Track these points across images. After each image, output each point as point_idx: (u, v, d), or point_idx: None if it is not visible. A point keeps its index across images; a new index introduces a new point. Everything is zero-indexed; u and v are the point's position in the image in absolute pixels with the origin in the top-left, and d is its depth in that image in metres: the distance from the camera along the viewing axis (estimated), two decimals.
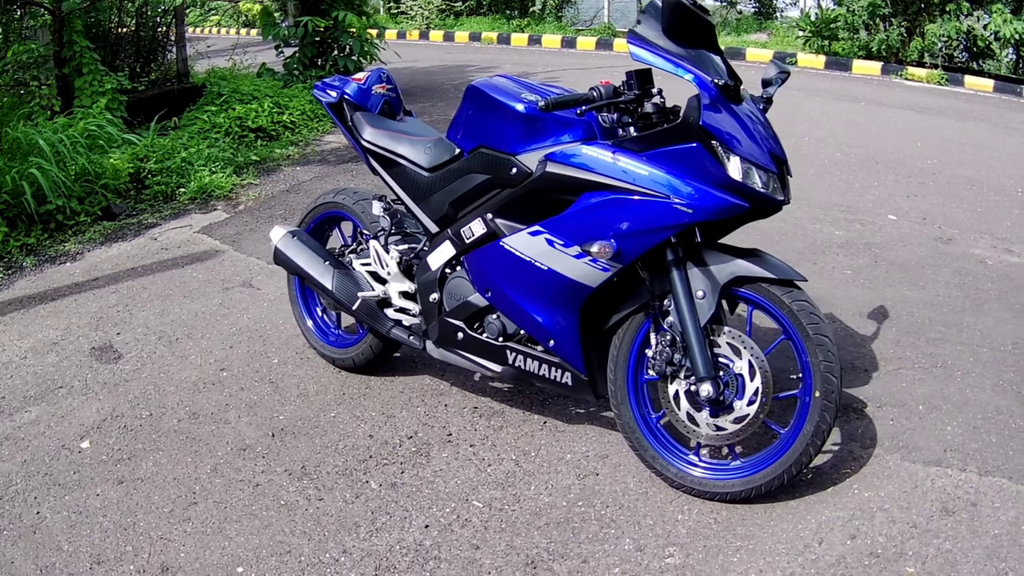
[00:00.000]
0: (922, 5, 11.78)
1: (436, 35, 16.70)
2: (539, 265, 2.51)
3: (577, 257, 2.43)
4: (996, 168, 6.62)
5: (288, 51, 8.49)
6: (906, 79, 11.52)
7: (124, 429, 2.90)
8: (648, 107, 2.40)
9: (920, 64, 11.81)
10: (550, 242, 2.49)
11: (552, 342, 2.59)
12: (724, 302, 2.48)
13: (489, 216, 2.65)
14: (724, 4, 17.33)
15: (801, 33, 12.84)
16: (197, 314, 3.79)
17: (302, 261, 3.12)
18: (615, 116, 2.46)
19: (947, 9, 11.48)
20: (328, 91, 3.13)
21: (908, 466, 2.70)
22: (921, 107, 9.46)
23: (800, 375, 2.42)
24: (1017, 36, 10.98)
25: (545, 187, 2.50)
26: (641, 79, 2.40)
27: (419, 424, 2.89)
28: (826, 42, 11.96)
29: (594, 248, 2.35)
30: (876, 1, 11.69)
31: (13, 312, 3.83)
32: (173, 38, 7.65)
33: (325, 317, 3.40)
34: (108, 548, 2.33)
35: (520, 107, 2.53)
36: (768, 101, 2.53)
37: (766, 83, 2.56)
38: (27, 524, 2.44)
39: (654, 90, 2.43)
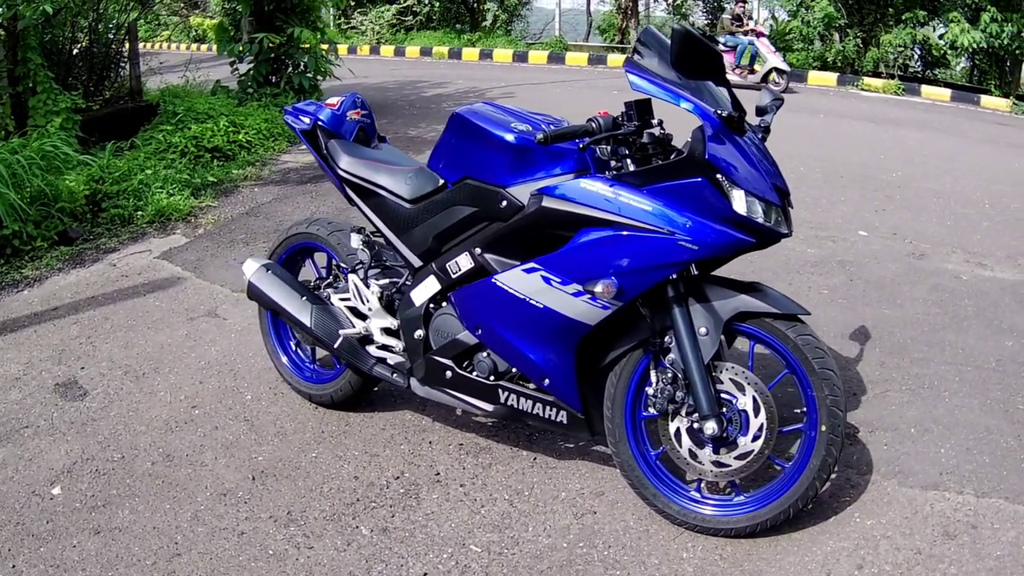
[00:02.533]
0: (878, 16, 12.09)
1: (387, 50, 16.62)
2: (534, 303, 2.45)
3: (575, 295, 2.38)
4: (960, 180, 6.81)
5: (243, 68, 8.35)
6: (862, 89, 11.81)
7: (96, 473, 2.79)
8: (646, 138, 2.35)
9: (876, 74, 12.12)
10: (547, 279, 2.43)
11: (547, 381, 2.54)
12: (723, 337, 2.45)
13: (477, 251, 2.58)
14: (675, 16, 17.57)
15: None
16: (163, 346, 3.67)
17: (278, 296, 3.02)
18: (610, 148, 2.39)
19: (903, 19, 11.80)
20: (301, 117, 3.04)
21: (906, 491, 2.72)
22: (880, 118, 9.69)
23: (804, 409, 2.41)
24: (975, 45, 11.33)
25: (540, 222, 2.44)
26: (640, 110, 2.36)
27: (405, 463, 2.83)
28: (781, 53, 12.22)
29: (598, 288, 2.30)
30: (832, 13, 11.98)
31: None
32: (127, 55, 7.45)
33: (299, 351, 3.31)
34: None
35: (510, 137, 2.46)
36: (766, 130, 2.50)
37: (761, 111, 2.55)
38: None
39: (654, 121, 2.39)
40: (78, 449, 2.91)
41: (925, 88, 11.61)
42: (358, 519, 2.55)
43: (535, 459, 2.86)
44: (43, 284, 4.35)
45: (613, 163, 2.37)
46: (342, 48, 17.24)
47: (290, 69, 8.45)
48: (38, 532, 2.51)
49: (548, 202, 2.39)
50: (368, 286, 2.90)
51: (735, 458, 2.44)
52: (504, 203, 2.51)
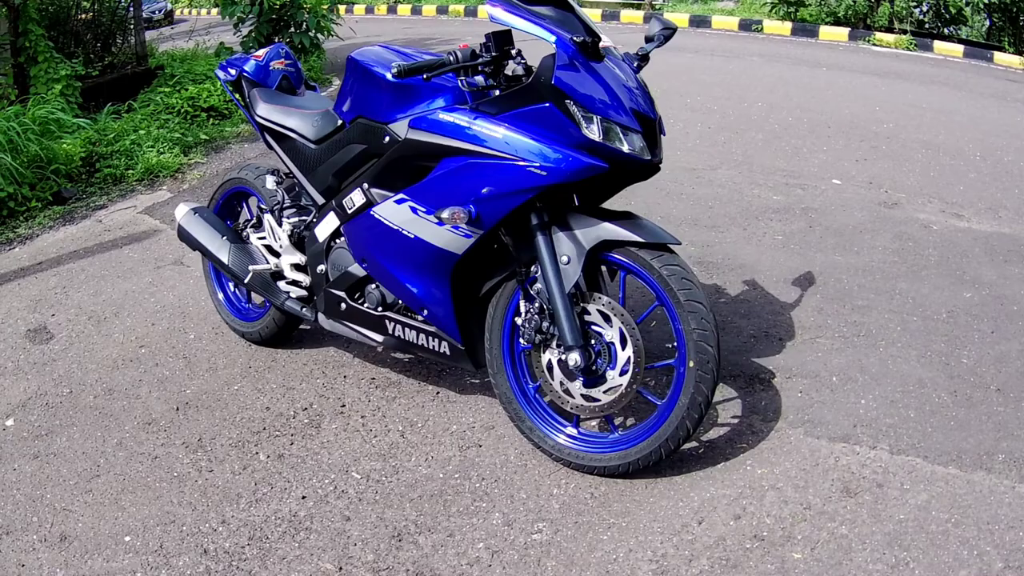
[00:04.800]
0: None
1: (404, 9, 16.74)
2: (406, 233, 2.54)
3: (439, 224, 2.45)
4: (955, 132, 6.66)
5: (245, 29, 8.59)
6: (874, 44, 11.53)
7: (46, 407, 3.12)
8: (511, 70, 2.37)
9: (889, 30, 11.82)
10: (414, 210, 2.51)
11: (426, 311, 2.64)
12: (604, 269, 2.49)
13: (366, 186, 2.70)
14: None
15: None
16: (127, 293, 4.00)
17: (201, 237, 3.27)
18: (484, 80, 2.41)
19: None
20: (229, 69, 3.27)
21: (811, 442, 2.64)
22: (885, 72, 9.48)
23: (675, 344, 2.38)
24: (995, 1, 10.96)
25: (407, 154, 2.53)
26: (500, 40, 2.37)
27: (316, 396, 3.10)
28: (793, 8, 11.99)
29: (444, 214, 2.37)
30: None
31: None
32: (132, 23, 7.77)
33: (237, 291, 3.57)
34: (17, 519, 2.55)
35: (389, 75, 2.49)
36: (644, 58, 2.50)
37: (648, 39, 2.55)
38: None
39: (513, 51, 2.39)
40: (35, 386, 3.26)
41: (938, 44, 11.29)
42: (259, 446, 2.83)
43: (438, 393, 3.08)
44: (33, 241, 4.72)
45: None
46: (359, 8, 17.40)
47: (292, 29, 8.66)
48: None
49: (411, 134, 2.50)
50: (280, 224, 3.13)
51: (604, 392, 2.44)
52: (387, 139, 2.61)
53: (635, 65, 2.46)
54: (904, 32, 11.59)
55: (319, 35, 8.79)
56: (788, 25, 12.02)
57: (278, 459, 2.76)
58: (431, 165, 2.49)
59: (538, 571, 2.22)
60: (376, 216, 2.65)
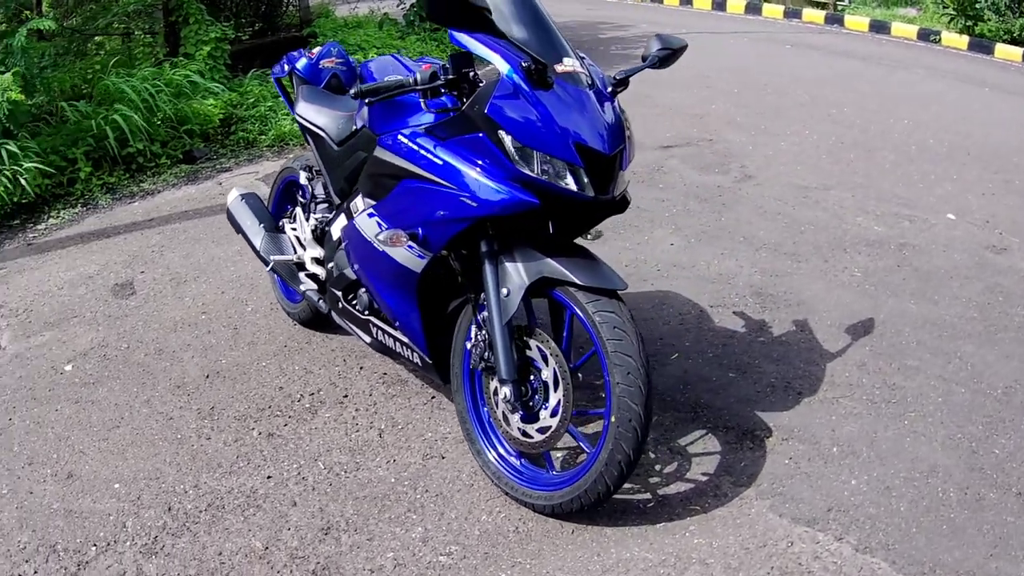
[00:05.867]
0: None
1: None
2: (376, 246, 2.62)
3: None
4: None
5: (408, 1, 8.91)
6: None
7: (102, 358, 3.53)
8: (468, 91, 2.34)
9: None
10: (380, 224, 2.60)
11: (398, 322, 2.74)
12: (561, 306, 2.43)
13: (360, 194, 2.82)
14: None
15: (946, 11, 11.88)
16: (213, 259, 4.38)
17: (242, 221, 3.53)
18: (450, 102, 2.39)
19: None
20: (284, 65, 3.48)
21: (771, 519, 2.48)
22: None
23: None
24: None
25: (374, 171, 2.63)
26: (459, 63, 2.35)
27: (327, 383, 3.31)
28: (970, 22, 11.00)
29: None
30: None
31: (72, 246, 4.59)
32: None
33: None
34: (41, 453, 2.95)
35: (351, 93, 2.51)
36: (621, 83, 2.42)
37: (643, 58, 2.49)
38: None
39: (471, 74, 2.36)
40: (101, 337, 3.68)
41: None
42: (258, 423, 3.08)
43: (433, 397, 3.19)
44: (153, 197, 5.24)
45: None
46: None
47: None
48: (39, 397, 3.28)
49: (377, 151, 2.61)
50: (308, 219, 3.34)
51: (536, 430, 2.43)
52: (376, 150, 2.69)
53: (608, 91, 2.38)
54: None
55: None
56: (965, 39, 11.06)
57: (267, 438, 2.99)
58: (394, 183, 2.56)
59: None
60: (356, 226, 2.77)
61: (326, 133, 3.14)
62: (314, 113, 3.23)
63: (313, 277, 3.31)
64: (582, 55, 2.50)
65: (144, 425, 3.08)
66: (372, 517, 2.59)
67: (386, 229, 2.55)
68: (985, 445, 2.86)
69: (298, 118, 3.32)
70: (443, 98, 2.39)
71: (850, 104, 7.46)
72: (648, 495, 2.64)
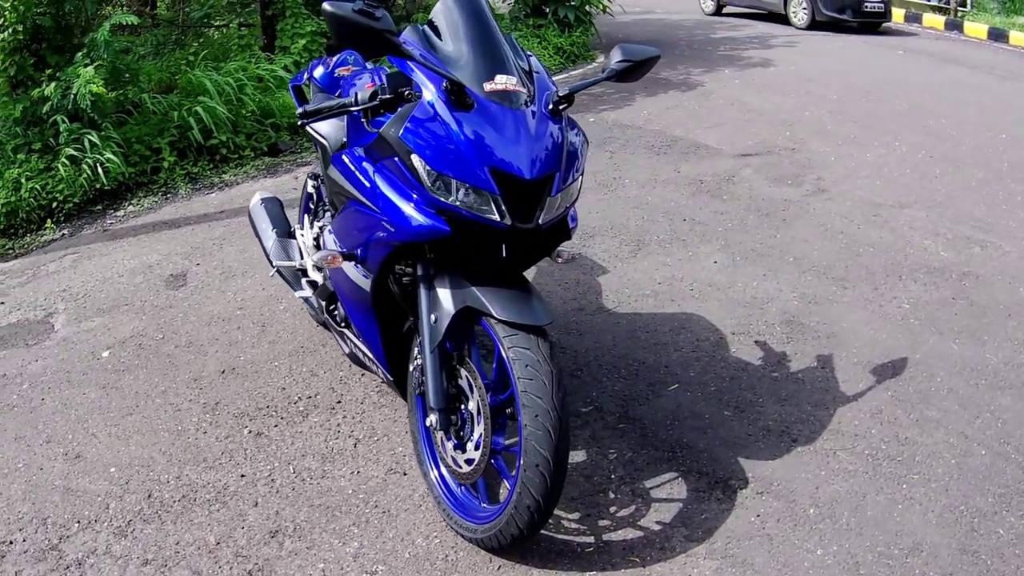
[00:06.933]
0: None
1: None
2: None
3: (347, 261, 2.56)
4: None
5: None
6: None
7: (138, 347, 3.82)
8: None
9: None
10: (336, 242, 2.67)
11: (361, 338, 2.79)
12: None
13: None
14: None
15: None
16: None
17: (258, 224, 3.72)
18: None
19: None
20: (304, 73, 3.63)
21: None
22: None
23: None
24: None
25: (331, 189, 2.71)
26: (395, 82, 2.34)
27: (327, 387, 3.46)
28: None
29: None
30: None
31: (143, 234, 4.96)
32: None
33: None
34: (59, 433, 3.24)
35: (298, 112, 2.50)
36: (565, 99, 2.32)
37: (602, 70, 2.42)
38: (31, 406, 3.43)
39: (406, 92, 2.32)
40: (142, 326, 3.98)
41: None
42: (252, 422, 3.26)
43: None
44: (231, 189, 5.57)
45: None
46: None
47: (559, 1, 8.87)
48: (73, 380, 3.60)
49: (329, 171, 2.69)
50: (312, 226, 3.48)
51: (465, 461, 2.41)
52: None
53: (547, 110, 2.28)
54: None
55: (587, 8, 8.88)
56: None
57: (256, 437, 3.17)
58: (345, 201, 2.60)
59: None
60: (323, 241, 2.87)
61: (327, 142, 3.25)
62: (319, 122, 3.35)
63: (313, 284, 3.45)
64: (537, 69, 2.41)
65: (154, 415, 3.33)
66: (319, 526, 2.68)
67: (339, 248, 2.62)
68: (989, 523, 2.59)
69: (304, 123, 3.45)
70: (384, 117, 2.37)
71: (949, 115, 6.99)
72: (591, 538, 2.58)
